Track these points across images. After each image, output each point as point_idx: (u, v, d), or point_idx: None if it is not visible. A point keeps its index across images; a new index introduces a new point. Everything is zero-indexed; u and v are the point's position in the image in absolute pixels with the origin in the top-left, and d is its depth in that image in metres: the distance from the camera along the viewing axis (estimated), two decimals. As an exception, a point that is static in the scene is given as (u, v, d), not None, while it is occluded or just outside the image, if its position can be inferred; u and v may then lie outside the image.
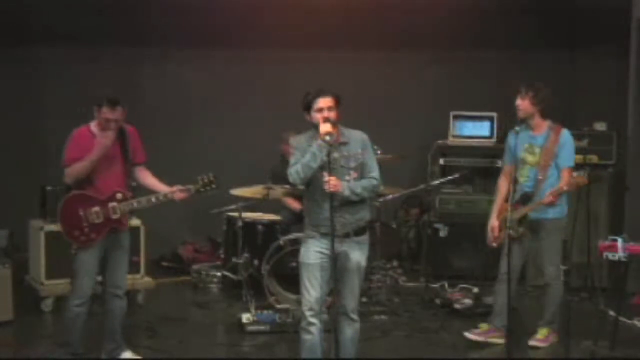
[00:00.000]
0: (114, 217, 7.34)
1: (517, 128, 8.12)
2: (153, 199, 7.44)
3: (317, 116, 6.77)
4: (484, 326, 8.47)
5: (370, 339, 8.31)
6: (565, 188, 8.01)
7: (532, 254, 8.47)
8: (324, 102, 6.79)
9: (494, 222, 8.36)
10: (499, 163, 10.19)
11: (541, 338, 8.33)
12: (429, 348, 8.37)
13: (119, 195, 7.37)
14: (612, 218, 10.44)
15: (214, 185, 7.50)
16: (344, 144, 6.88)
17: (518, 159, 8.31)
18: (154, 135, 10.17)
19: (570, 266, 7.01)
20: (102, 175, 7.35)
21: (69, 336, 7.47)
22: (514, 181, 8.11)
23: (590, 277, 10.01)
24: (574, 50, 11.76)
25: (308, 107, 6.84)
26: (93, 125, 7.39)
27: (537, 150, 8.26)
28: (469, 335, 8.42)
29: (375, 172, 6.97)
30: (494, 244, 8.40)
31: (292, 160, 6.89)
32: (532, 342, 8.33)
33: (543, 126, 8.33)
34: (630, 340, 8.37)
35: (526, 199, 8.16)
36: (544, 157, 8.21)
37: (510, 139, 8.38)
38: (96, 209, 7.31)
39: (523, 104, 8.25)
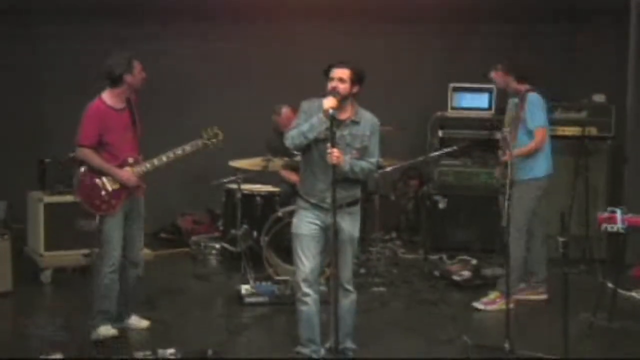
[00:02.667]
0: None
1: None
2: (164, 158, 7.61)
3: (328, 84, 6.75)
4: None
5: (369, 311, 8.33)
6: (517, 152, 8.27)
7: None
8: (337, 72, 6.77)
9: None
10: (498, 135, 10.19)
11: (486, 300, 8.61)
12: (428, 320, 8.39)
13: (130, 160, 7.57)
14: (611, 190, 10.45)
15: (219, 138, 7.74)
16: (356, 123, 6.86)
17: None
18: (154, 109, 10.17)
19: (569, 238, 6.98)
20: (118, 142, 7.52)
21: (106, 304, 7.61)
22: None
23: (589, 249, 10.04)
24: (574, 23, 11.71)
25: (326, 74, 6.82)
26: (106, 96, 7.51)
27: (511, 111, 8.74)
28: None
29: (374, 159, 6.95)
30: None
31: (295, 121, 6.87)
32: (475, 304, 8.61)
33: (521, 90, 8.66)
34: (628, 312, 8.40)
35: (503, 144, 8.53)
36: (514, 121, 8.55)
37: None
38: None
39: (496, 76, 8.81)
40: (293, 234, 6.96)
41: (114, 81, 7.48)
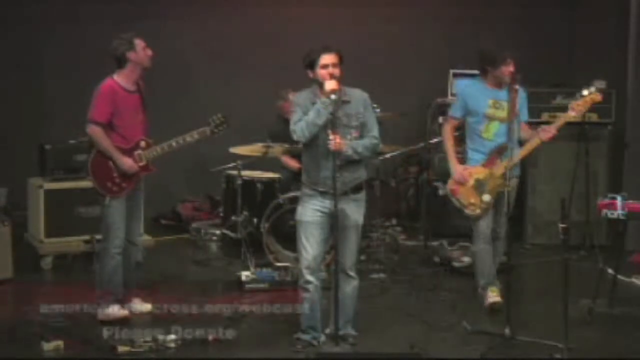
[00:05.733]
0: (141, 164, 7.68)
1: (474, 81, 8.32)
2: (174, 143, 7.71)
3: (322, 72, 6.75)
4: (494, 290, 8.24)
5: (369, 297, 8.33)
6: (572, 114, 7.92)
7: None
8: (330, 58, 6.77)
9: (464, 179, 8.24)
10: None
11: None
12: (428, 306, 8.40)
13: (142, 143, 7.71)
14: (611, 176, 10.45)
15: (225, 125, 7.80)
16: (346, 102, 6.87)
17: (480, 115, 8.20)
18: (154, 92, 10.14)
19: (569, 224, 6.99)
20: (129, 124, 7.64)
21: (112, 285, 7.75)
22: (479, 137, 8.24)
23: (589, 235, 10.03)
24: (574, 8, 11.70)
25: (311, 64, 6.81)
26: (117, 77, 7.63)
27: (504, 105, 8.02)
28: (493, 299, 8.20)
29: (375, 131, 6.98)
30: (478, 212, 8.18)
31: (293, 117, 6.88)
32: (493, 300, 8.19)
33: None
34: (628, 298, 8.41)
35: (503, 150, 8.04)
36: (512, 113, 7.94)
37: (466, 90, 8.38)
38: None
39: (513, 69, 8.09)
40: (297, 222, 6.98)
41: (120, 61, 7.60)
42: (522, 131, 8.16)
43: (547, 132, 8.00)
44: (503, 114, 8.03)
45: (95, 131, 7.53)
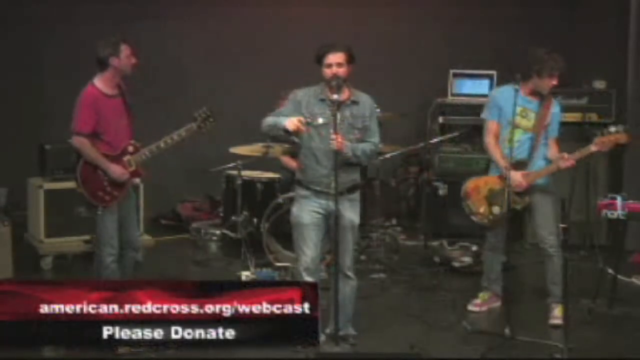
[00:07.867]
0: (131, 169, 7.55)
1: (515, 87, 7.65)
2: (162, 144, 7.57)
3: (326, 71, 6.78)
4: (484, 296, 8.30)
5: (369, 297, 8.33)
6: (594, 149, 7.68)
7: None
8: (334, 58, 6.79)
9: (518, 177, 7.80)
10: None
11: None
12: (428, 306, 8.40)
13: (130, 148, 7.56)
14: (611, 176, 10.44)
15: (212, 119, 7.68)
16: (355, 103, 6.92)
17: (506, 120, 7.87)
18: (153, 92, 10.17)
19: (569, 224, 7.01)
20: (113, 130, 7.48)
21: None
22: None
23: (589, 235, 10.03)
24: (574, 8, 11.69)
25: (318, 60, 6.85)
26: (98, 82, 7.47)
27: (531, 115, 7.95)
28: (471, 307, 8.25)
29: (376, 138, 7.02)
30: (485, 222, 8.05)
31: (278, 110, 7.04)
32: (555, 322, 7.87)
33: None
34: (628, 298, 8.42)
35: (521, 166, 7.85)
36: (540, 124, 7.93)
37: (501, 95, 7.98)
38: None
39: (556, 83, 8.01)
40: (294, 224, 6.97)
41: (101, 64, 7.44)
42: (548, 148, 8.00)
43: (567, 161, 7.75)
44: (529, 123, 7.93)
45: (81, 142, 7.38)
